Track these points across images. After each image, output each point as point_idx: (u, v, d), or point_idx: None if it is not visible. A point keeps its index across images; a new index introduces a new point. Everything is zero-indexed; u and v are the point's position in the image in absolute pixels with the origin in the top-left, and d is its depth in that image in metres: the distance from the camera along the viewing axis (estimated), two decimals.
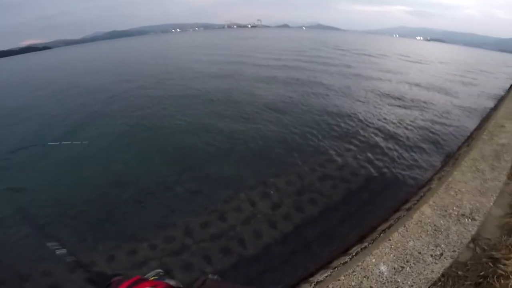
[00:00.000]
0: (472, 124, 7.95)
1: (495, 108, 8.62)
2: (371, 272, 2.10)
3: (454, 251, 2.23)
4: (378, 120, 7.88)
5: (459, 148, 6.09)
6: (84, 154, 6.18)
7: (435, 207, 2.78)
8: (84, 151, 6.30)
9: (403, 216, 3.17)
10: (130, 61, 26.43)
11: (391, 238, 2.42)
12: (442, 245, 2.28)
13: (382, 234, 2.90)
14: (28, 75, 25.32)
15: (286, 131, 6.97)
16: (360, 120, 7.75)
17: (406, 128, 7.30)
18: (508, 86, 12.98)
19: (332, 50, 29.84)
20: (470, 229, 2.46)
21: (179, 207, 4.23)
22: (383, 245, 2.36)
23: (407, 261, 2.17)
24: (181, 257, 3.31)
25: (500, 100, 9.92)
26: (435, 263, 2.13)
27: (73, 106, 10.32)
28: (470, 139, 6.08)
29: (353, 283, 2.03)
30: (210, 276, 1.00)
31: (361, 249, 2.79)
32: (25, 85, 17.65)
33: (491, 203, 2.79)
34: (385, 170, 5.20)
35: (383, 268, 2.13)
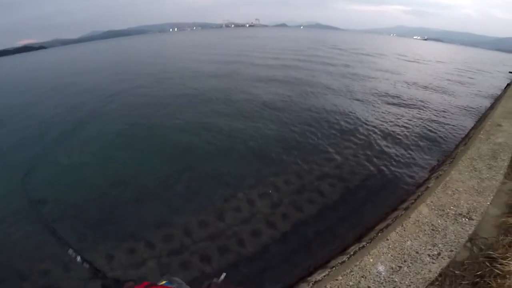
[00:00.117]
0: (469, 123, 8.01)
1: (492, 107, 8.67)
2: (369, 272, 2.11)
3: (451, 250, 2.24)
4: (376, 119, 7.91)
5: (456, 147, 6.12)
6: (83, 153, 6.16)
7: (433, 207, 2.79)
8: (83, 150, 6.29)
9: (401, 215, 3.19)
10: (128, 61, 26.35)
11: (388, 237, 2.43)
12: (440, 245, 2.30)
13: (379, 234, 2.91)
14: (18, 76, 25.07)
15: (285, 129, 6.99)
16: (358, 119, 7.77)
17: (404, 127, 7.33)
18: (505, 85, 13.05)
19: (330, 50, 29.88)
20: (467, 228, 2.47)
21: (178, 206, 4.24)
22: (380, 244, 2.36)
23: (405, 261, 2.18)
24: (180, 256, 3.32)
25: (497, 99, 9.96)
26: (433, 262, 2.14)
27: (72, 105, 10.28)
28: (467, 138, 6.11)
29: (351, 283, 2.04)
30: (214, 280, 1.01)
31: (359, 248, 2.80)
32: (13, 86, 17.39)
33: (488, 203, 2.80)
34: (383, 168, 5.23)
35: (380, 268, 2.14)
